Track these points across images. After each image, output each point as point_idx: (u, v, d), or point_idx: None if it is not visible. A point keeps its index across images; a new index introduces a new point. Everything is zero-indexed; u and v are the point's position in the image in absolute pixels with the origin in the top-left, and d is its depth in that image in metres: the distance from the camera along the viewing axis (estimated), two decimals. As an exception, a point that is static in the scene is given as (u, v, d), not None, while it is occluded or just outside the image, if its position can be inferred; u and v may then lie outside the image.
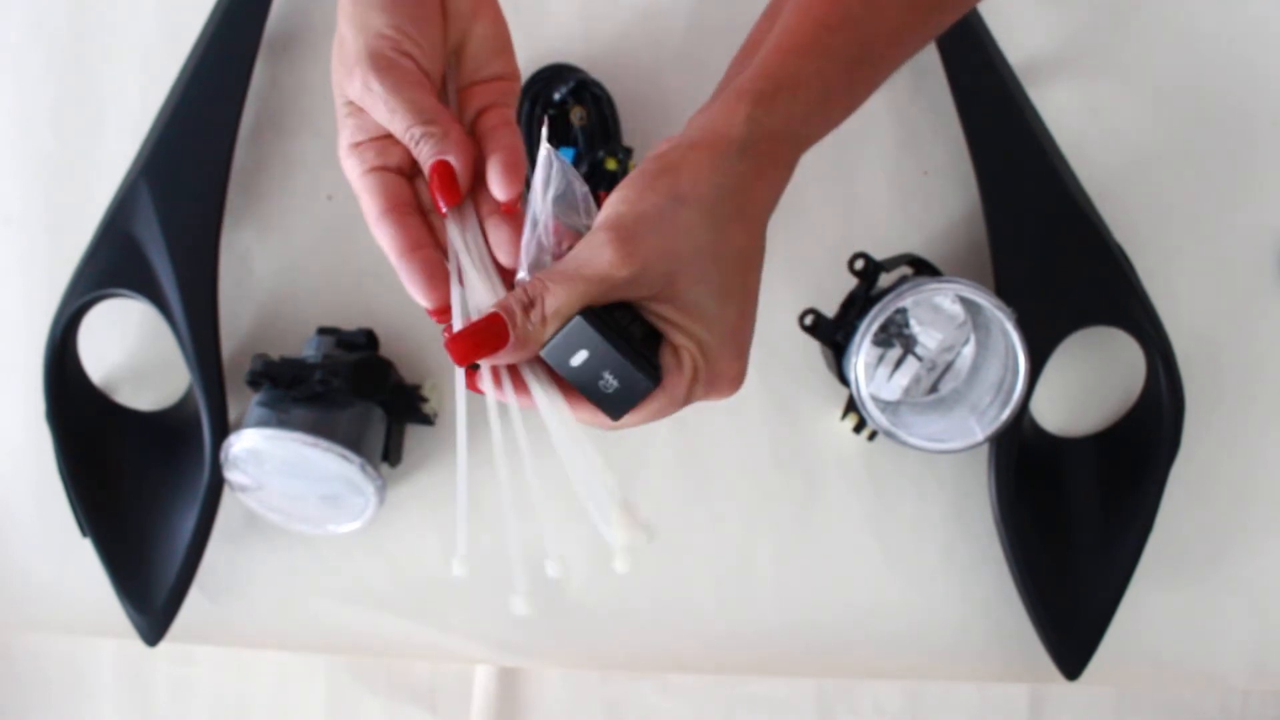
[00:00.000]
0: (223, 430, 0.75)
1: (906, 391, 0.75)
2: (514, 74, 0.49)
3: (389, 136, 0.46)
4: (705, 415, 0.81)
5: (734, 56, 0.55)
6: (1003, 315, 0.69)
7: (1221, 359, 0.80)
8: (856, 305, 0.72)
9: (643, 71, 0.80)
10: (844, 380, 0.72)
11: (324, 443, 0.71)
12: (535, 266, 0.45)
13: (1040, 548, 0.76)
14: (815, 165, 0.82)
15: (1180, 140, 0.81)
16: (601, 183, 0.76)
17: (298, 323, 0.82)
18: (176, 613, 0.77)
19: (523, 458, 0.46)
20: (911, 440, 0.71)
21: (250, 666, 0.86)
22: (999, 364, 0.72)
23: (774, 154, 0.46)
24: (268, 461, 0.73)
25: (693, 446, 0.82)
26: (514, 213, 0.46)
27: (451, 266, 0.46)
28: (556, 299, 0.42)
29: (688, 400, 0.45)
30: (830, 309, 0.74)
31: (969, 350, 0.75)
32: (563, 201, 0.45)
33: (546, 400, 0.45)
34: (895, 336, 0.75)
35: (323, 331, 0.79)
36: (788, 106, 0.45)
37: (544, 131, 0.47)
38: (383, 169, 0.46)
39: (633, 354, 0.43)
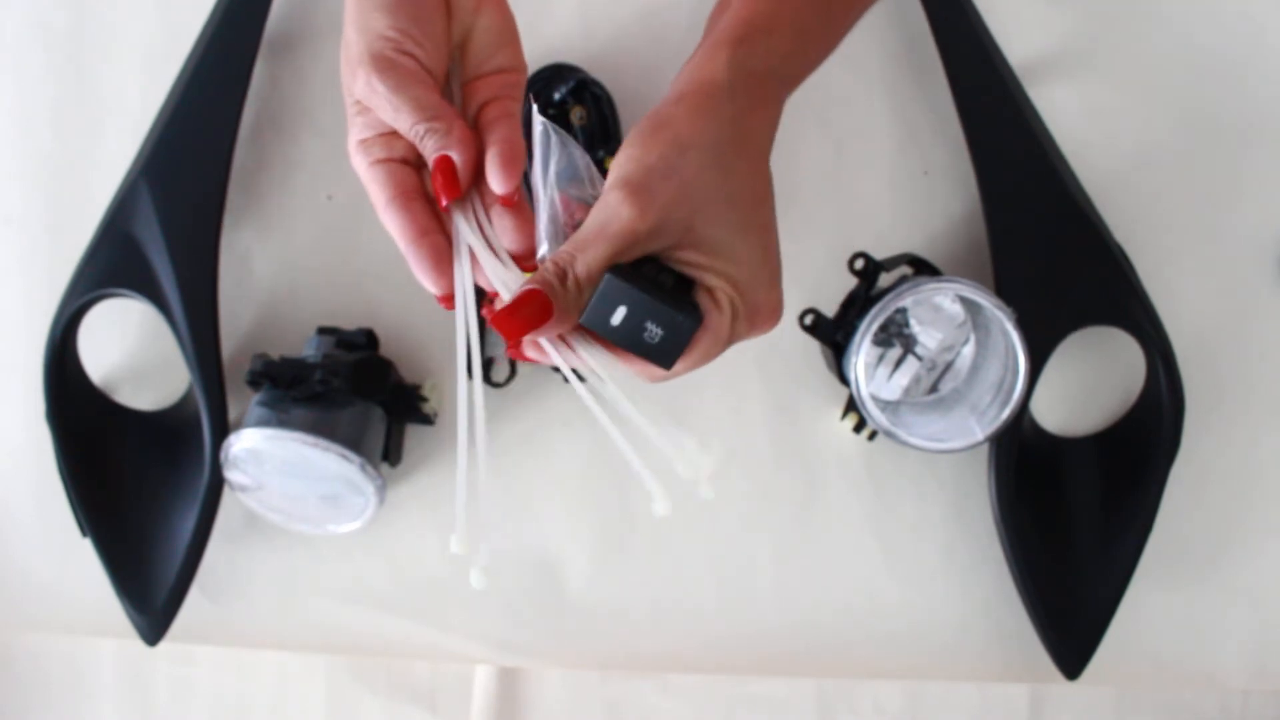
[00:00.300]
0: (223, 430, 0.75)
1: (906, 391, 0.75)
2: (519, 66, 0.50)
3: (396, 132, 0.47)
4: (705, 415, 0.81)
5: (710, 13, 0.55)
6: (1003, 315, 0.69)
7: (1221, 359, 0.80)
8: (856, 305, 0.72)
9: (643, 71, 0.80)
10: (844, 380, 0.72)
11: (324, 443, 0.71)
12: (555, 243, 0.45)
13: (1040, 548, 0.76)
14: (815, 165, 0.82)
15: (1180, 140, 0.81)
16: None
17: (298, 323, 0.82)
18: (176, 613, 0.77)
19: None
20: (911, 440, 0.71)
21: (250, 666, 0.86)
22: (999, 364, 0.72)
23: (760, 93, 0.47)
24: (268, 461, 0.73)
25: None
26: (513, 204, 0.46)
27: (456, 256, 0.47)
28: (586, 262, 0.43)
29: (732, 338, 0.45)
30: (830, 309, 0.74)
31: (969, 350, 0.75)
32: (567, 176, 0.45)
33: (596, 357, 0.45)
34: (895, 336, 0.75)
35: (323, 331, 0.79)
36: (765, 47, 0.47)
37: (534, 107, 0.47)
38: (389, 160, 0.47)
39: (670, 298, 0.43)
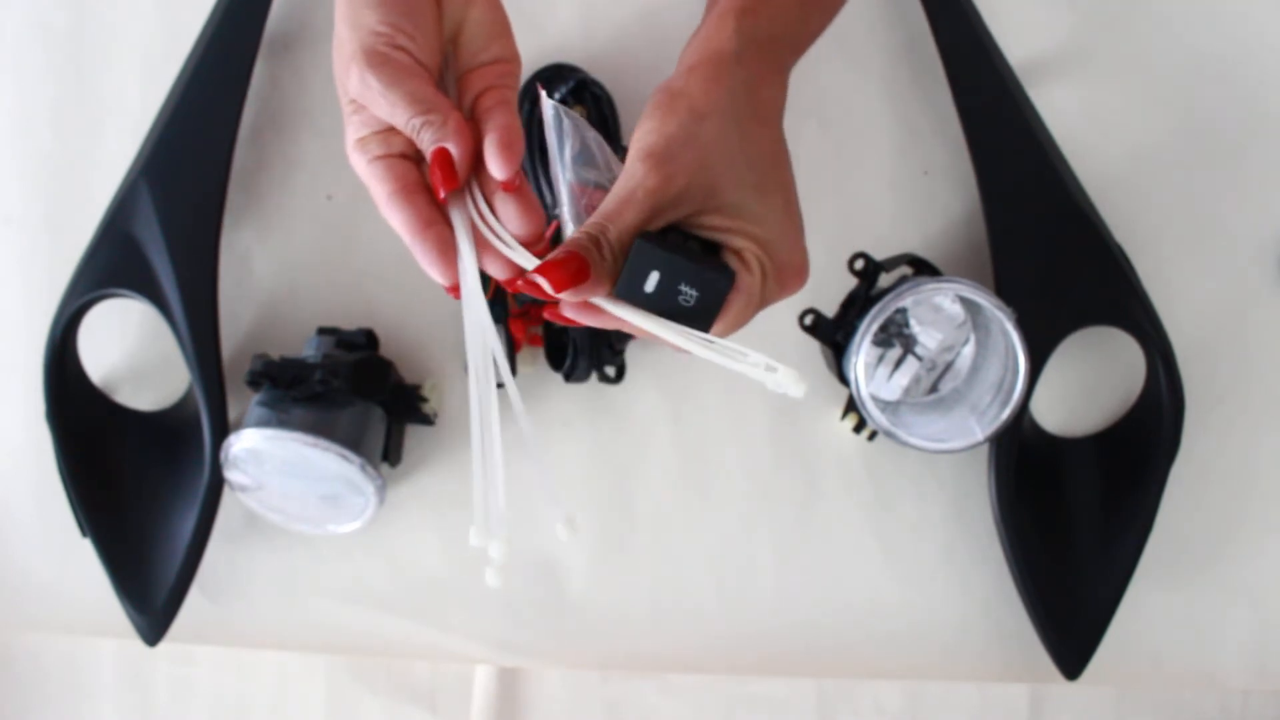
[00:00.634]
0: (223, 430, 0.76)
1: (906, 391, 0.75)
2: (512, 56, 0.50)
3: (392, 128, 0.47)
4: (705, 415, 0.81)
5: None
6: (1003, 315, 0.69)
7: (1221, 359, 0.80)
8: (856, 305, 0.72)
9: (643, 71, 0.80)
10: (844, 380, 0.72)
11: (324, 443, 0.71)
12: (579, 224, 0.45)
13: (1040, 548, 0.76)
14: (816, 165, 0.82)
15: (1180, 140, 0.81)
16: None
17: (298, 323, 0.82)
18: (176, 613, 0.77)
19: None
20: (911, 440, 0.71)
21: (250, 666, 0.86)
22: (999, 364, 0.72)
23: (768, 59, 0.49)
24: (268, 461, 0.73)
25: (693, 446, 0.82)
26: (515, 189, 0.47)
27: (459, 246, 0.47)
28: (618, 229, 0.43)
29: (764, 299, 0.46)
30: (830, 309, 0.74)
31: (969, 350, 0.75)
32: (582, 160, 0.46)
33: (639, 316, 0.45)
34: (895, 336, 0.75)
35: (323, 331, 0.79)
36: (768, 15, 0.49)
37: (542, 93, 0.47)
38: (388, 156, 0.47)
39: (701, 258, 0.44)
